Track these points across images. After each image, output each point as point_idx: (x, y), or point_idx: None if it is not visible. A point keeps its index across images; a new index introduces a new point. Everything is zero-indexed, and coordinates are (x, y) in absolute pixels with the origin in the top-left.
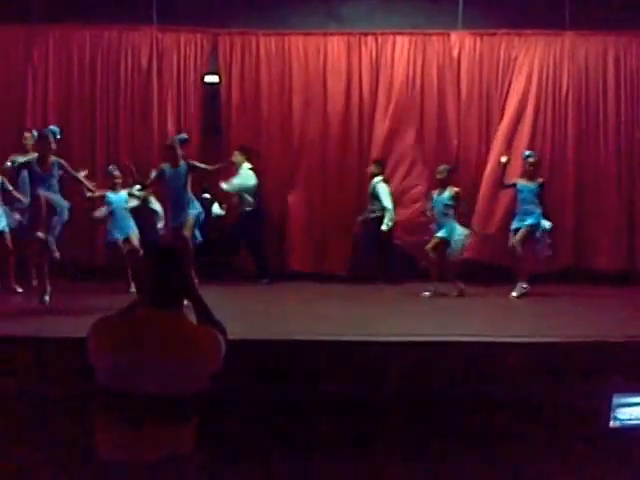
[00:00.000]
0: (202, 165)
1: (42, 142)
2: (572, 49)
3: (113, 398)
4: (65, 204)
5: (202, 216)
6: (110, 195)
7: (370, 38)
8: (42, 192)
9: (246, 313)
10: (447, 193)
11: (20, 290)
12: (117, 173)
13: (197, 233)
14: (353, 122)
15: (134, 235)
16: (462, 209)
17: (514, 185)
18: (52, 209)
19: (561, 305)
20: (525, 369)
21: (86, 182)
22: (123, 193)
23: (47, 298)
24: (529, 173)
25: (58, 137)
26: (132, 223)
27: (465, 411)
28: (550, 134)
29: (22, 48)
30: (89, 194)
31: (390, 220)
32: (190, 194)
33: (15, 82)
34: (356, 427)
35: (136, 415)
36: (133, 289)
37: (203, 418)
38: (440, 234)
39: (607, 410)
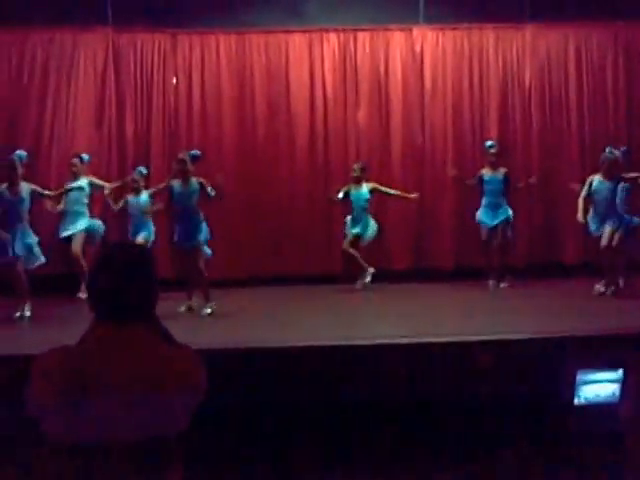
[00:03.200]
0: (209, 189)
1: (10, 170)
2: (533, 41)
3: (72, 455)
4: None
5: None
6: (130, 199)
7: (332, 34)
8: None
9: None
10: (364, 189)
11: None
12: (138, 177)
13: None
14: (318, 121)
15: (142, 237)
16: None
17: (480, 178)
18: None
19: (529, 299)
20: (497, 367)
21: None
22: (144, 195)
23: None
24: (492, 164)
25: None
26: (150, 225)
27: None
28: (515, 127)
29: None
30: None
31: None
32: (201, 216)
33: None
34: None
35: (108, 472)
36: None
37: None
38: (355, 230)
39: (571, 387)
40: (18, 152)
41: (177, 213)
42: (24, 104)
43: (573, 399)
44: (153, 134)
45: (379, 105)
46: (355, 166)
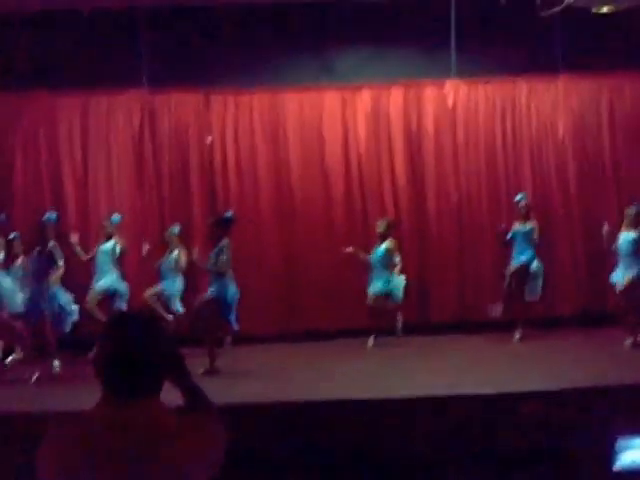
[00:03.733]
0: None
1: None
2: (566, 92)
3: None
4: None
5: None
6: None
7: (365, 90)
8: None
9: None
10: (383, 246)
11: None
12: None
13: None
14: (353, 177)
15: None
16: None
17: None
18: None
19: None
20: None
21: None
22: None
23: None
24: (522, 216)
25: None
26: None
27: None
28: (550, 179)
29: (10, 115)
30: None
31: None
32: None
33: (2, 153)
34: None
35: None
36: None
37: None
38: (376, 289)
39: (611, 454)
40: (48, 214)
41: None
42: (65, 167)
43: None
44: (190, 193)
45: (412, 160)
46: (379, 222)
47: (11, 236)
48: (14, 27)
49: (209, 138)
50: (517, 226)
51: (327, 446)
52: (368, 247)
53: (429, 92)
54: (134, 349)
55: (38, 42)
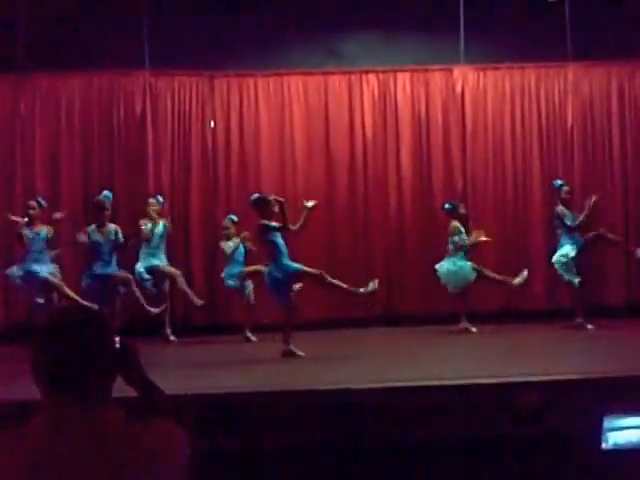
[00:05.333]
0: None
1: (99, 210)
2: (575, 81)
3: None
4: None
5: None
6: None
7: (371, 76)
8: None
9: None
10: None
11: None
12: (227, 223)
13: None
14: (358, 163)
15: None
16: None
17: (559, 216)
18: None
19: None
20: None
21: None
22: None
23: None
24: (568, 202)
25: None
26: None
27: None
28: (557, 167)
29: (8, 99)
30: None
31: None
32: None
33: (2, 135)
34: None
35: None
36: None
37: None
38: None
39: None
40: (106, 192)
41: None
42: (65, 149)
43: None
44: (191, 177)
45: (419, 146)
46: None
47: (57, 215)
48: (15, 8)
49: (212, 122)
50: (566, 212)
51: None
52: (369, 233)
53: (437, 78)
54: (78, 348)
55: (39, 23)
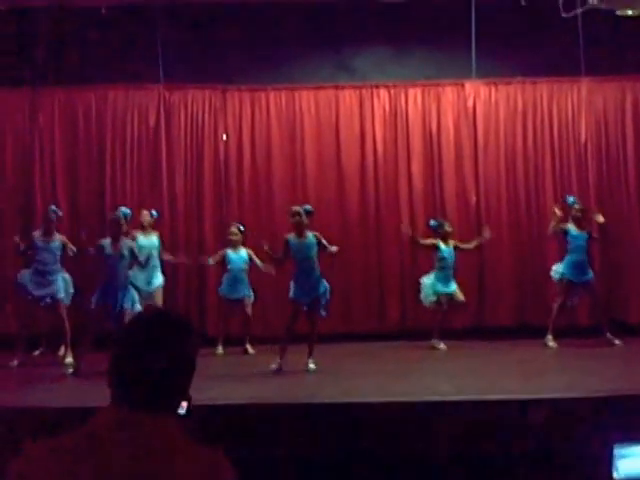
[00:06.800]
0: (325, 242)
1: (115, 226)
2: (589, 96)
3: None
4: None
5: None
6: (230, 253)
7: (382, 90)
8: None
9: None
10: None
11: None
12: (234, 230)
13: None
14: (368, 177)
15: (249, 299)
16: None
17: (564, 232)
18: None
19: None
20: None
21: None
22: (243, 252)
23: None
24: (578, 220)
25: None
26: (248, 286)
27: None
28: (570, 183)
29: (28, 112)
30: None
31: None
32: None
33: (21, 147)
34: None
35: None
36: None
37: None
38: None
39: (609, 461)
40: (123, 209)
41: (298, 269)
42: (81, 162)
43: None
44: (204, 190)
45: (431, 161)
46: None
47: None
48: (33, 22)
49: (224, 135)
50: (574, 230)
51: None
52: (380, 247)
53: (448, 92)
54: (158, 357)
55: (56, 37)
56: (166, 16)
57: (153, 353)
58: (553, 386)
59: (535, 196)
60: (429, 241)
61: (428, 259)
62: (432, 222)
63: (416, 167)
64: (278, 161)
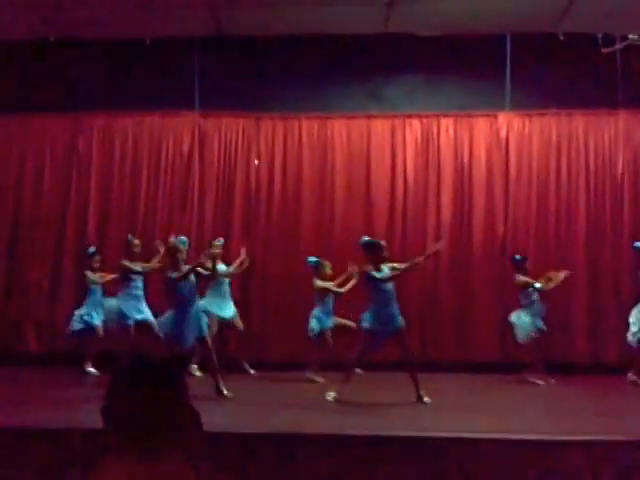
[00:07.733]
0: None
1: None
2: (627, 128)
3: None
4: None
5: None
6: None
7: (415, 120)
8: None
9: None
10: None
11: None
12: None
13: None
14: (397, 207)
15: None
16: None
17: None
18: None
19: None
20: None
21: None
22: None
23: None
24: None
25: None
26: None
27: None
28: (605, 220)
29: (68, 136)
30: None
31: None
32: None
33: (59, 170)
34: None
35: None
36: None
37: None
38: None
39: None
40: (182, 238)
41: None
42: (115, 187)
43: None
44: (233, 216)
45: (461, 192)
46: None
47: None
48: (75, 52)
49: (256, 161)
50: None
51: None
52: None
53: (481, 123)
54: (156, 408)
55: (97, 67)
56: (203, 47)
57: (151, 400)
58: None
59: (565, 230)
60: (526, 279)
61: (452, 291)
62: (517, 257)
63: (446, 197)
64: (308, 188)
